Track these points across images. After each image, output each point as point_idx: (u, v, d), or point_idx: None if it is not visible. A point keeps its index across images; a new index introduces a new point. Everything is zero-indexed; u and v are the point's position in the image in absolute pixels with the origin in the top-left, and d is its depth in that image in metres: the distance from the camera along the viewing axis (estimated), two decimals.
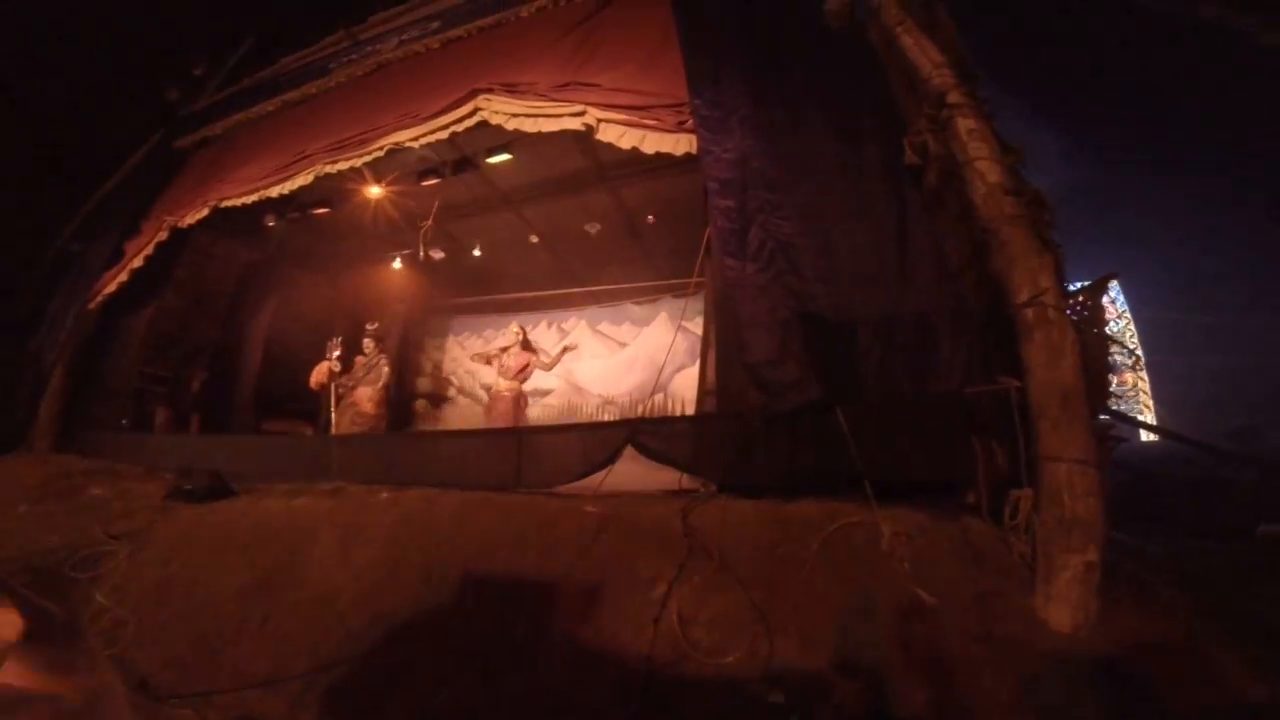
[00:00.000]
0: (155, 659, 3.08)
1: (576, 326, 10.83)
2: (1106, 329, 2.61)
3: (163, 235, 7.23)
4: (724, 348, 3.62)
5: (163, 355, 8.66)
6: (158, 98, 8.97)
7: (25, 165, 9.56)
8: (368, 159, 5.86)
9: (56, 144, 9.63)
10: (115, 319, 7.84)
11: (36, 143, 9.69)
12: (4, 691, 0.63)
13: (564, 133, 4.88)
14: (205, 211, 7.01)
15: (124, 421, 7.75)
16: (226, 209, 6.98)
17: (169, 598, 3.52)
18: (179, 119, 8.83)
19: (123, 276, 7.37)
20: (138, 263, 7.31)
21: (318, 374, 7.16)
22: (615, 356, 10.09)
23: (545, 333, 11.07)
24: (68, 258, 8.61)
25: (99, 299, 7.52)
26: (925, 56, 3.20)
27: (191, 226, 7.30)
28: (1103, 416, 2.45)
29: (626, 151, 4.52)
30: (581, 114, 4.50)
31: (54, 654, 0.73)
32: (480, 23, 6.01)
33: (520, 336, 7.66)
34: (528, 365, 7.45)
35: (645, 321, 10.26)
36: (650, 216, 8.53)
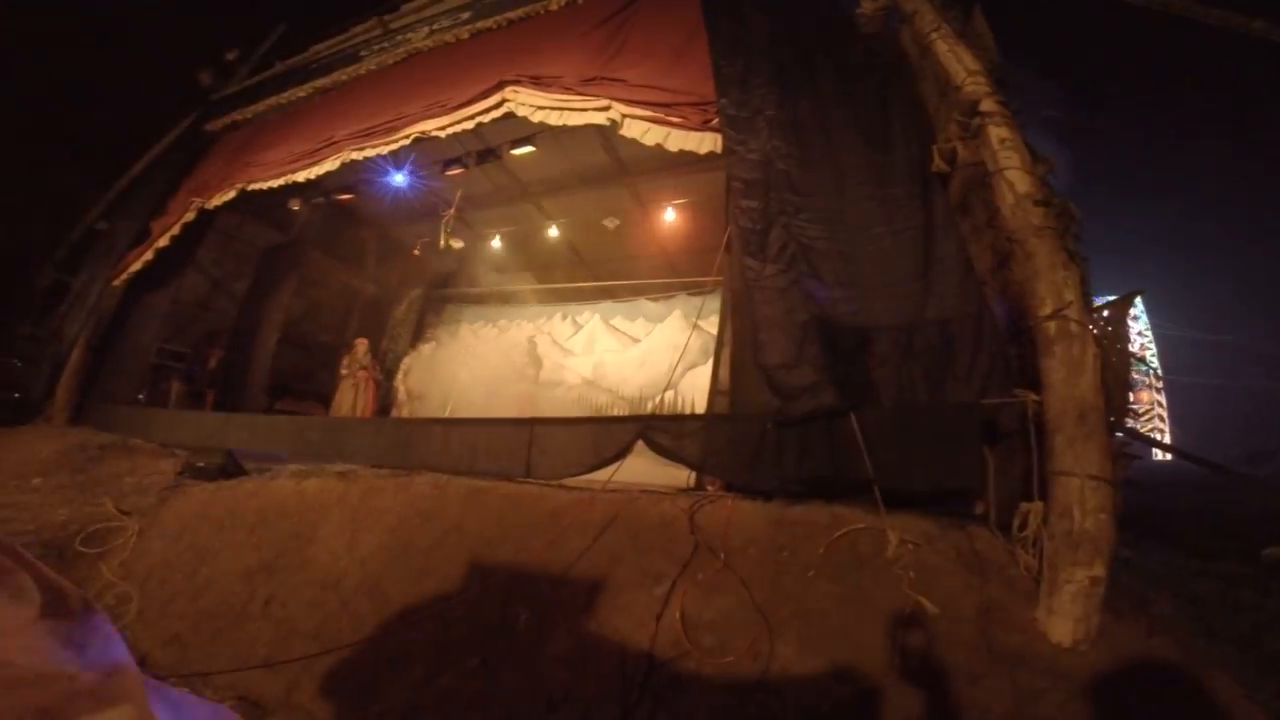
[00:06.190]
0: (156, 637, 3.12)
1: (590, 320, 10.85)
2: (1128, 346, 2.58)
3: (190, 216, 7.33)
4: (739, 348, 3.61)
5: (182, 333, 8.82)
6: (191, 81, 9.10)
7: (58, 145, 9.76)
8: (394, 147, 5.90)
9: (91, 124, 9.82)
10: (138, 296, 7.97)
11: (71, 122, 9.88)
12: (19, 670, 0.64)
13: (587, 127, 4.89)
14: (232, 194, 7.09)
15: (140, 396, 7.90)
16: (253, 192, 7.06)
17: (174, 576, 3.57)
18: (211, 102, 8.95)
19: (149, 255, 7.48)
20: (164, 242, 7.42)
21: None
22: (628, 352, 10.09)
23: (560, 325, 11.10)
24: (94, 235, 8.75)
25: (124, 276, 7.64)
26: (959, 64, 3.17)
27: (218, 208, 7.40)
28: (1118, 434, 2.42)
29: (649, 148, 4.52)
30: (607, 109, 4.51)
31: (68, 631, 0.73)
32: (510, 15, 6.03)
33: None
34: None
35: (659, 318, 10.25)
36: (669, 214, 8.54)
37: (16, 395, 7.69)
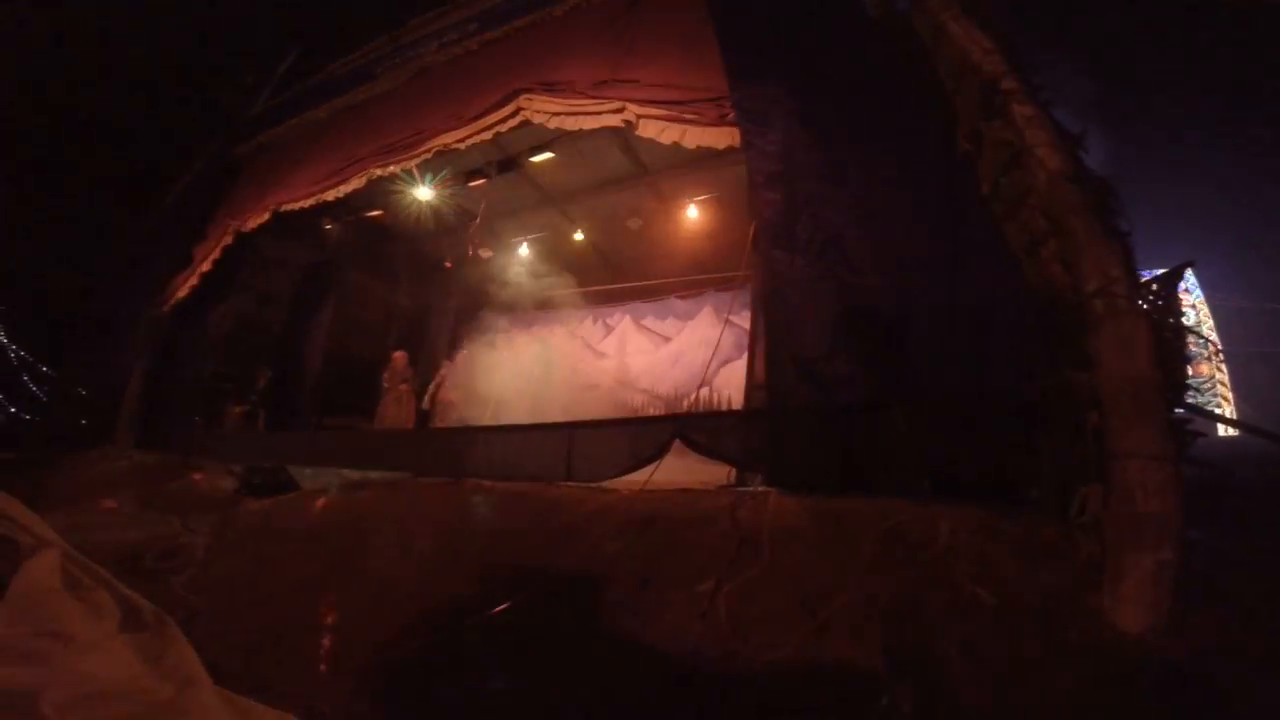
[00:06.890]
0: (225, 647, 3.23)
1: (621, 321, 10.87)
2: (1181, 320, 2.46)
3: (229, 240, 7.60)
4: (773, 342, 3.58)
5: (230, 355, 9.13)
6: (214, 106, 9.40)
7: (97, 177, 10.22)
8: (416, 161, 6.02)
9: (124, 156, 10.25)
10: (187, 321, 8.28)
11: (104, 156, 10.34)
12: (103, 683, 0.66)
13: (604, 130, 4.90)
14: (267, 216, 7.33)
15: (196, 419, 8.23)
16: (286, 213, 7.29)
17: (239, 589, 3.70)
18: (235, 126, 9.24)
19: (194, 280, 7.79)
20: (206, 267, 7.72)
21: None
22: (660, 351, 10.07)
23: (591, 328, 11.14)
24: (138, 264, 9.12)
25: (172, 302, 7.97)
26: (974, 43, 3.08)
27: (254, 231, 7.65)
28: (1178, 410, 2.31)
29: (667, 147, 4.51)
30: (621, 110, 4.52)
31: (145, 645, 0.76)
32: (517, 23, 6.07)
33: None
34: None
35: (690, 316, 10.20)
36: (692, 211, 8.51)
37: (84, 421, 8.11)
